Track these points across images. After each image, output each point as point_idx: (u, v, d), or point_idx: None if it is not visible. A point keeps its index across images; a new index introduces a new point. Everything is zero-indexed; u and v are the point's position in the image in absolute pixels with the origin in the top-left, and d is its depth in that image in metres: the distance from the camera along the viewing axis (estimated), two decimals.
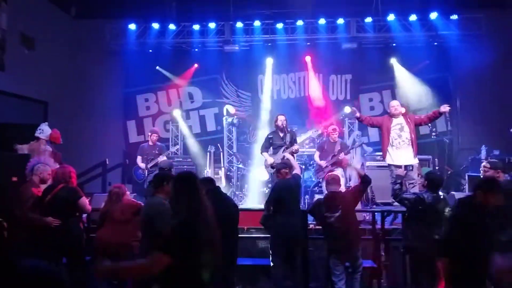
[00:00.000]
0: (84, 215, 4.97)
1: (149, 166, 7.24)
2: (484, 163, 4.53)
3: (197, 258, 2.24)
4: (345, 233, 4.40)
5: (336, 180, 4.69)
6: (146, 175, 7.25)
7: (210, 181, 4.33)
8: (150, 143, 7.55)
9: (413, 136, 5.73)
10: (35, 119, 7.91)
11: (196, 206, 2.37)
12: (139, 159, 7.42)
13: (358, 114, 6.01)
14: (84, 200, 4.52)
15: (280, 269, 4.54)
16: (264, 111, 9.44)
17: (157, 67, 9.69)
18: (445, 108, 5.64)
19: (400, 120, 5.79)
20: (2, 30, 7.55)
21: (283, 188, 4.63)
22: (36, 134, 6.01)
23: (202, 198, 2.46)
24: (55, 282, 1.04)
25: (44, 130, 6.05)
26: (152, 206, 3.68)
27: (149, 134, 7.69)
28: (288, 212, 4.50)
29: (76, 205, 4.40)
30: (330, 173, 5.21)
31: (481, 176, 4.39)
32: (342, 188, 5.27)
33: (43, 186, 4.66)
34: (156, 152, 7.39)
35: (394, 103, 5.97)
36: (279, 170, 4.84)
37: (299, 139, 7.60)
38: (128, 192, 4.58)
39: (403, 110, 5.93)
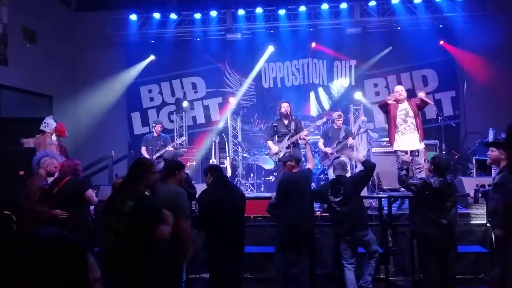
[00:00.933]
0: (92, 207, 5.00)
1: (154, 157, 7.25)
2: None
3: None
4: (347, 216, 4.43)
5: (341, 165, 4.68)
6: None
7: (217, 169, 4.33)
8: (155, 134, 7.55)
9: (418, 120, 5.66)
10: (40, 113, 7.93)
11: None
12: (143, 150, 7.42)
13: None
14: (91, 192, 4.54)
15: (280, 260, 4.55)
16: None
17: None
18: (421, 91, 5.70)
19: (405, 105, 5.71)
20: (4, 24, 7.53)
21: (289, 183, 4.56)
22: (41, 128, 6.03)
23: None
24: (71, 245, 1.06)
25: (49, 124, 6.06)
26: (170, 192, 3.54)
27: (153, 125, 7.68)
28: (294, 207, 4.44)
29: (83, 197, 4.43)
30: (336, 159, 5.19)
31: (488, 159, 4.31)
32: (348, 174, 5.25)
33: (50, 179, 4.69)
34: (161, 143, 7.39)
35: (399, 88, 5.87)
36: (285, 163, 4.78)
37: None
38: None
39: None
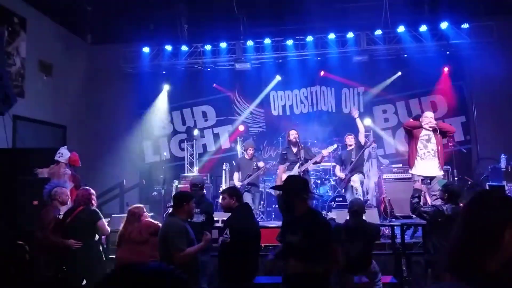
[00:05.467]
0: (104, 237, 5.02)
1: (245, 182, 7.01)
2: None
3: None
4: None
5: (357, 212, 4.40)
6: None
7: (240, 193, 4.20)
8: (247, 157, 7.23)
9: (439, 147, 5.62)
10: (54, 143, 8.12)
11: None
12: (235, 175, 7.21)
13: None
14: (103, 222, 4.58)
15: None
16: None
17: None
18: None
19: (429, 131, 5.68)
20: (22, 58, 7.85)
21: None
22: (56, 158, 6.13)
23: None
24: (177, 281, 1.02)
25: (64, 154, 6.17)
26: (168, 226, 3.71)
27: (245, 148, 7.35)
28: None
29: (96, 227, 4.46)
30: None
31: None
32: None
33: (64, 208, 4.75)
34: (255, 167, 7.06)
35: (429, 114, 5.77)
36: None
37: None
38: (146, 213, 4.62)
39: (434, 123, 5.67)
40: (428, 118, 5.70)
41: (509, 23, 8.77)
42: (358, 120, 6.80)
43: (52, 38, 8.70)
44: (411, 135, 5.75)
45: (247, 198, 6.33)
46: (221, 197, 4.13)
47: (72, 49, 9.50)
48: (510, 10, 8.76)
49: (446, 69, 9.28)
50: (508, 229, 1.23)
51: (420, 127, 5.68)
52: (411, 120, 6.22)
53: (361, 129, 6.83)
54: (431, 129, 5.63)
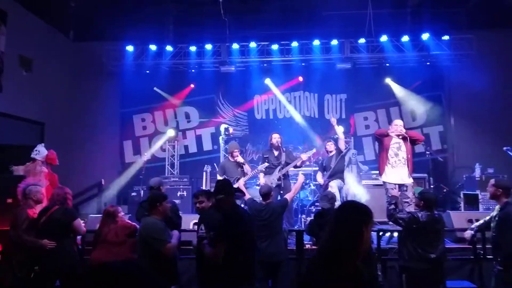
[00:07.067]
0: (79, 237, 4.93)
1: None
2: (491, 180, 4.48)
3: None
4: None
5: (327, 197, 4.65)
6: None
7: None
8: (231, 159, 6.73)
9: (409, 156, 5.75)
10: (31, 140, 7.93)
11: None
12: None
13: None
14: (79, 222, 4.49)
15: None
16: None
17: (155, 88, 9.78)
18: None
19: (399, 139, 5.80)
20: (1, 52, 7.65)
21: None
22: (32, 155, 5.99)
23: None
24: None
25: (40, 151, 6.04)
26: (146, 226, 3.70)
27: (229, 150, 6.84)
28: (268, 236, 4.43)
29: (71, 227, 4.38)
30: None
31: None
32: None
33: (39, 207, 4.64)
34: (241, 169, 6.56)
35: (399, 122, 5.90)
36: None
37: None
38: (122, 213, 4.55)
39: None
40: (398, 126, 5.82)
41: (488, 37, 9.06)
42: (336, 127, 6.88)
43: (33, 33, 8.51)
44: (382, 143, 5.87)
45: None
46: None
47: (54, 45, 9.31)
48: (489, 24, 9.05)
49: (425, 79, 9.50)
50: (365, 228, 1.78)
51: (387, 135, 5.80)
52: (381, 128, 6.34)
53: (341, 135, 6.92)
54: (399, 137, 5.76)
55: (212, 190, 3.96)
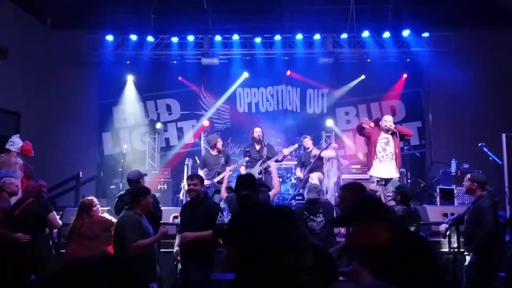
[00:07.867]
0: (55, 230, 4.84)
1: (215, 180, 6.36)
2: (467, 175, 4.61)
3: None
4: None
5: (316, 190, 4.80)
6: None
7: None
8: (213, 152, 6.63)
9: (397, 150, 5.84)
10: (6, 130, 7.69)
11: None
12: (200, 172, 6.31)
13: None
14: (54, 215, 4.41)
15: None
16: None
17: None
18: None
19: (388, 134, 5.88)
20: None
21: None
22: (7, 146, 5.84)
23: None
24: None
25: (15, 142, 5.88)
26: (121, 220, 3.66)
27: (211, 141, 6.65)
28: None
29: (46, 220, 4.29)
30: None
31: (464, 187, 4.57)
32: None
33: (13, 199, 4.53)
34: (223, 163, 6.40)
35: (388, 118, 5.96)
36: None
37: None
38: (98, 206, 4.45)
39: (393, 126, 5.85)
40: (388, 121, 5.90)
41: (467, 35, 9.24)
42: (324, 152, 7.23)
43: (8, 19, 8.21)
44: (370, 137, 5.93)
45: (216, 199, 6.17)
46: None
47: (31, 32, 9.01)
48: (468, 22, 9.22)
49: (405, 75, 9.65)
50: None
51: (362, 131, 5.85)
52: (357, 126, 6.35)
53: (332, 154, 7.14)
54: (388, 132, 5.83)
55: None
